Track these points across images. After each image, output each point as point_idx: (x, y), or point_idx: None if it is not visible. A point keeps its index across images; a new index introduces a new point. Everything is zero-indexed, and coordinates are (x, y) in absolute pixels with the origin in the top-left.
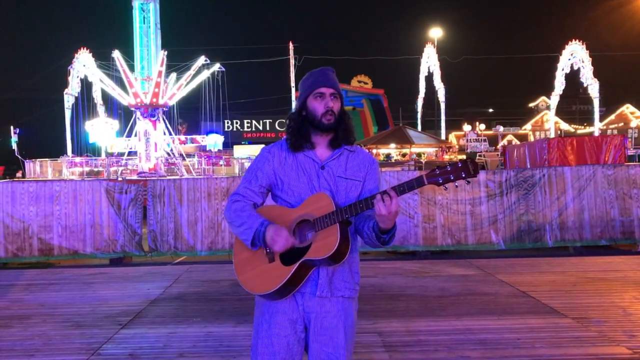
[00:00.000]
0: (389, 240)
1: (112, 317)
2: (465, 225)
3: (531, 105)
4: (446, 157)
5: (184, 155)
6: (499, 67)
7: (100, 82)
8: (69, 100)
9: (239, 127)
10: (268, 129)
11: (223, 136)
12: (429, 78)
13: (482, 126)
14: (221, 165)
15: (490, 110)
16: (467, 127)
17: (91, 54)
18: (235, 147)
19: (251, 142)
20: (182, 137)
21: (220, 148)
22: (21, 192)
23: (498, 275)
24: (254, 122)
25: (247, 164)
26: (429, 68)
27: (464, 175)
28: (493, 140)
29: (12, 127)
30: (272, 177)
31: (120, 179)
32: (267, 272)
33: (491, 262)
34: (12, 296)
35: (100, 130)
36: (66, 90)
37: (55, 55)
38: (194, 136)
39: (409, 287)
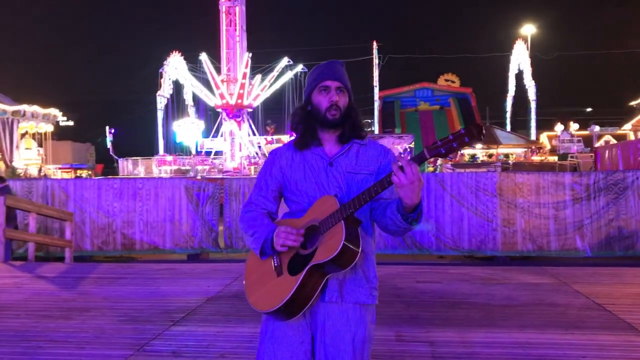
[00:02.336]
0: (418, 218)
1: (167, 313)
2: (548, 230)
3: (632, 104)
4: (536, 158)
5: (267, 155)
6: (596, 63)
7: (190, 84)
8: (161, 102)
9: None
10: None
11: None
12: (519, 76)
13: (576, 126)
14: None
15: (588, 109)
16: (559, 127)
17: (182, 56)
18: None
19: None
20: (269, 137)
21: None
22: (107, 188)
23: (574, 285)
24: None
25: None
26: (519, 65)
27: (467, 140)
28: (588, 141)
29: (107, 128)
30: (280, 179)
31: (199, 177)
32: (275, 287)
33: (569, 271)
34: (81, 288)
35: (187, 130)
36: (159, 92)
37: (148, 59)
38: (279, 136)
39: (473, 295)
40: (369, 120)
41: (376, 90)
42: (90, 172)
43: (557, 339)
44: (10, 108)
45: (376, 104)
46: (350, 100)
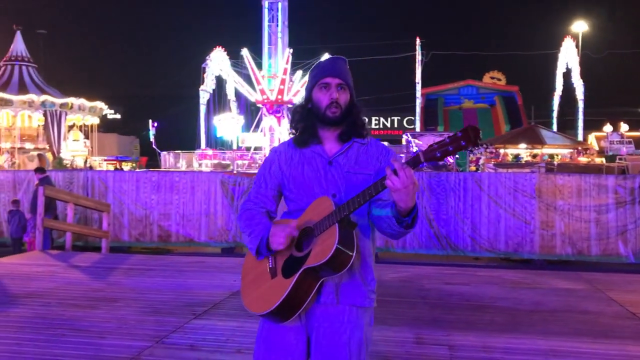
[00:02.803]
0: (413, 222)
1: (190, 306)
2: (589, 234)
3: None
4: (582, 159)
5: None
6: None
7: (233, 80)
8: (203, 97)
9: (367, 124)
10: (396, 126)
11: None
12: (567, 74)
13: (626, 127)
14: None
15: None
16: (608, 128)
17: (225, 52)
18: None
19: (378, 139)
20: None
21: None
22: (145, 181)
23: (609, 292)
24: (381, 119)
25: None
26: (567, 63)
27: (464, 144)
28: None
29: (150, 121)
30: (280, 178)
31: (235, 172)
32: (269, 290)
33: (606, 277)
34: (111, 279)
35: (227, 125)
36: (201, 87)
37: (192, 54)
38: None
39: (500, 299)
40: (412, 118)
41: (418, 87)
42: (134, 164)
43: (582, 347)
44: (58, 101)
45: (418, 101)
46: (352, 97)
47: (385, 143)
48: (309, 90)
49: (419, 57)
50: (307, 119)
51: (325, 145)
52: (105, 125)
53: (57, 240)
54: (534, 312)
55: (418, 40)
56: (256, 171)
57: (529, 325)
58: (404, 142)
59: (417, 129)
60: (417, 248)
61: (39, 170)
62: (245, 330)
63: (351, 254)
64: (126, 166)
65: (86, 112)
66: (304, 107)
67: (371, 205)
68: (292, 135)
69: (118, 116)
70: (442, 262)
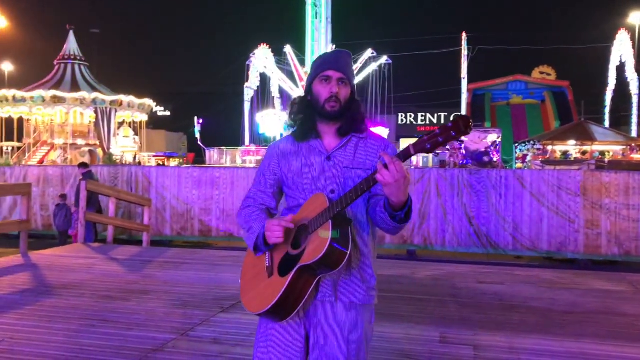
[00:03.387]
0: (406, 217)
1: (218, 300)
2: (637, 234)
3: None
4: (635, 156)
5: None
6: None
7: (277, 77)
8: (248, 94)
9: (413, 120)
10: (443, 121)
11: (388, 129)
12: (621, 68)
13: None
14: None
15: None
16: None
17: (269, 49)
18: (401, 140)
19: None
20: None
21: None
22: (186, 177)
23: None
24: (428, 115)
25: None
26: (620, 57)
27: (454, 134)
28: None
29: (196, 118)
30: (278, 173)
31: None
32: (266, 289)
33: None
34: (146, 272)
35: (270, 121)
36: (246, 84)
37: (236, 51)
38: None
39: (535, 299)
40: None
41: (464, 82)
42: (181, 161)
43: (615, 352)
44: (108, 98)
45: (464, 97)
46: (353, 92)
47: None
48: (310, 82)
49: (465, 52)
50: (305, 111)
51: (324, 139)
52: (155, 122)
53: (102, 233)
54: (568, 313)
55: (464, 35)
56: None
57: (560, 327)
58: None
59: None
60: (456, 246)
61: (82, 165)
62: None
63: (346, 251)
64: (173, 162)
65: (135, 109)
66: (304, 98)
67: (371, 200)
68: (290, 127)
69: (168, 113)
70: (481, 260)
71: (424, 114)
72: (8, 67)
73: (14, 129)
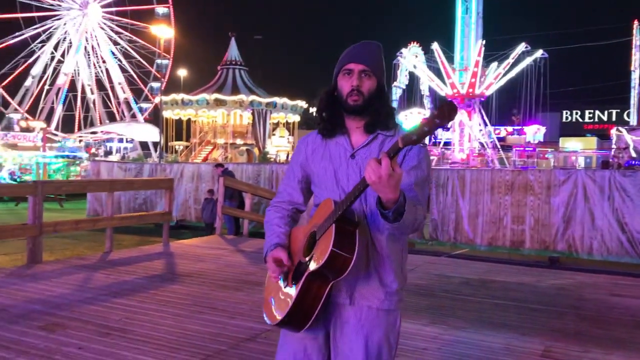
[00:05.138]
0: (395, 217)
1: None
2: None
3: None
4: None
5: (499, 147)
6: None
7: (427, 75)
8: (396, 93)
9: (579, 118)
10: (614, 119)
11: (544, 127)
12: None
13: None
14: (548, 158)
15: None
16: None
17: (420, 47)
18: (562, 139)
19: (593, 134)
20: (509, 128)
21: (541, 140)
22: None
23: None
24: (597, 112)
25: (576, 159)
26: None
27: (438, 122)
28: None
29: None
30: (306, 169)
31: None
32: (282, 299)
33: None
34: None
35: (414, 120)
36: (394, 83)
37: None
38: (521, 127)
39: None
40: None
41: (634, 75)
42: None
43: None
44: (264, 100)
45: (634, 92)
46: (380, 86)
47: (594, 139)
48: (335, 76)
49: (636, 42)
50: (332, 107)
51: (352, 136)
52: (307, 122)
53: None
54: None
55: (636, 24)
56: (444, 167)
57: None
58: (613, 137)
59: (633, 122)
60: (605, 255)
61: (219, 165)
62: None
63: (350, 256)
64: None
65: (288, 110)
66: (330, 93)
67: None
68: (317, 123)
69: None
70: (633, 272)
71: (592, 111)
72: (182, 72)
73: (182, 130)
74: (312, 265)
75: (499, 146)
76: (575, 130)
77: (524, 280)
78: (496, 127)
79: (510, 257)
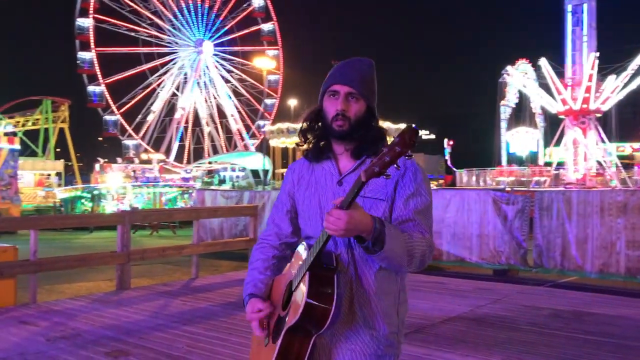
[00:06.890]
0: (376, 245)
1: None
2: None
3: None
4: None
5: (619, 165)
6: None
7: (537, 93)
8: (505, 111)
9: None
10: None
11: None
12: None
13: None
14: None
15: None
16: None
17: (530, 63)
18: None
19: None
20: (635, 145)
21: None
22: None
23: None
24: None
25: None
26: None
27: (399, 150)
28: None
29: (446, 140)
30: (294, 198)
31: (508, 189)
32: (264, 358)
33: None
34: None
35: (521, 139)
36: (502, 102)
37: (490, 67)
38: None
39: None
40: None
41: None
42: (439, 183)
43: None
44: None
45: None
46: (368, 108)
47: None
48: (321, 96)
49: None
50: (318, 130)
51: (340, 161)
52: (418, 146)
53: None
54: None
55: None
56: (557, 189)
57: None
58: None
59: None
60: None
61: None
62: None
63: (328, 306)
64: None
65: (392, 134)
66: (317, 115)
67: None
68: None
69: (432, 136)
70: None
71: None
72: (293, 102)
73: (288, 157)
74: (289, 320)
75: (619, 164)
76: None
77: (622, 312)
78: (620, 144)
79: (626, 285)
